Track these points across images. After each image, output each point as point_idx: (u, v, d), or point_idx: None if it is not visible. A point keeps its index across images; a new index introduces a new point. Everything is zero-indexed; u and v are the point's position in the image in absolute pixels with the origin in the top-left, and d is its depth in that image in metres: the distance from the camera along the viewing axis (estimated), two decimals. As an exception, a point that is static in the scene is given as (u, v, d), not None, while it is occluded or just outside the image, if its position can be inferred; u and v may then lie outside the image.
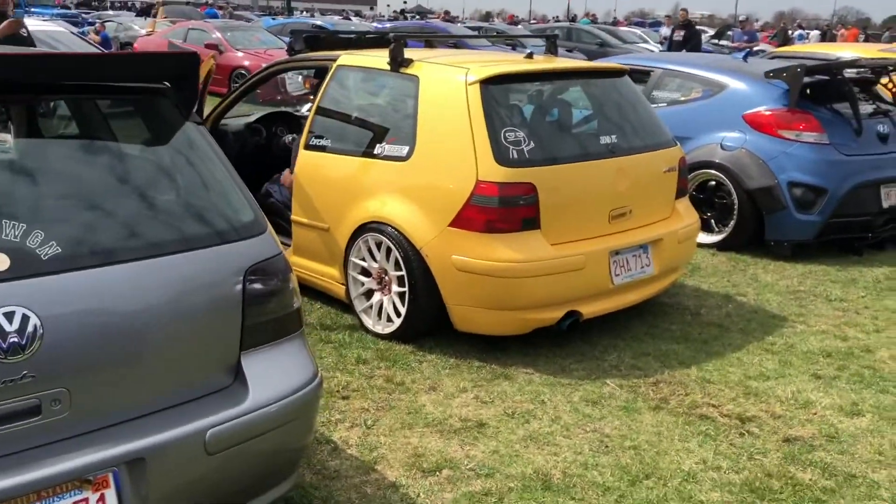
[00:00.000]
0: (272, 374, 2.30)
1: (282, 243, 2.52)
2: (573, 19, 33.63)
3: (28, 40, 7.11)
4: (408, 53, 4.43)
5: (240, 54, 15.62)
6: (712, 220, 6.13)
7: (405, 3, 69.52)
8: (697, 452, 3.23)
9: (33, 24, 9.18)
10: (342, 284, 4.55)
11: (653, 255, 4.34)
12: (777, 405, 3.65)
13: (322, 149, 4.61)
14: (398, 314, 4.24)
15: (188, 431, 2.05)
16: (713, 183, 6.09)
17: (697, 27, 17.95)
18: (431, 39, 6.20)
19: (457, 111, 4.03)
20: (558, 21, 43.34)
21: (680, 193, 4.66)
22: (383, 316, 4.32)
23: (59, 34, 9.22)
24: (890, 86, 6.38)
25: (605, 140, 4.27)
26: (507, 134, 3.95)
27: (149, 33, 19.25)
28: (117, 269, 2.04)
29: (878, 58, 7.25)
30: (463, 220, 3.90)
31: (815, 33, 31.51)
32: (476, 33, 19.17)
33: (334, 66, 4.76)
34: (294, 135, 5.86)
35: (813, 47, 10.78)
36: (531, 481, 3.01)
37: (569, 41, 21.41)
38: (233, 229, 2.31)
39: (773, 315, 4.80)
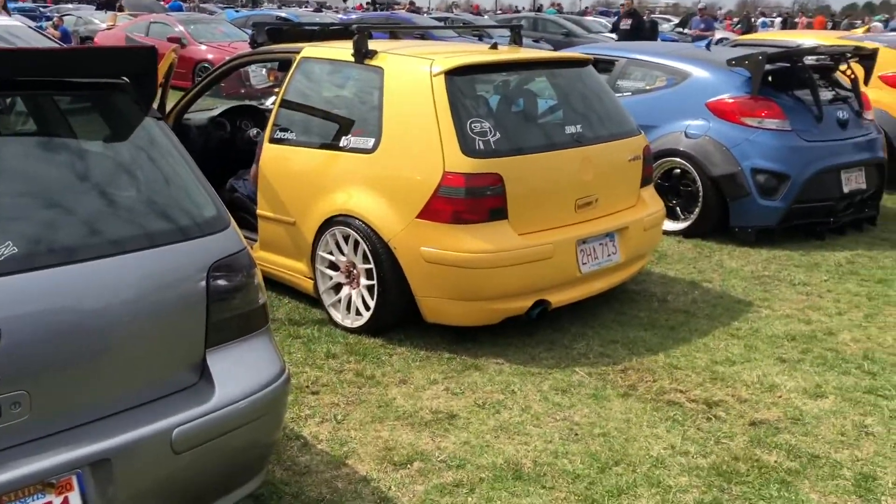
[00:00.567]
0: (238, 371, 2.28)
1: (247, 238, 2.50)
2: (539, 9, 33.67)
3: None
4: (372, 45, 4.40)
5: (203, 47, 15.42)
6: (677, 208, 6.19)
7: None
8: (666, 438, 3.27)
9: (-12, 18, 8.94)
10: (310, 279, 4.52)
11: (619, 243, 4.38)
12: (743, 389, 3.70)
13: (287, 142, 4.57)
14: (367, 307, 4.22)
15: (154, 431, 2.03)
16: (678, 171, 6.14)
17: (655, 16, 17.96)
18: (396, 31, 6.17)
19: (422, 102, 4.02)
20: (523, 10, 43.39)
21: (645, 182, 4.70)
22: (352, 309, 4.31)
23: (16, 28, 8.99)
24: (849, 72, 6.47)
25: (570, 130, 4.29)
26: (473, 125, 3.94)
27: (110, 27, 18.90)
28: (77, 268, 2.00)
29: (837, 45, 7.36)
30: (430, 212, 3.89)
31: (779, 20, 31.94)
32: (442, 24, 19.11)
33: (298, 58, 4.72)
34: (258, 129, 5.81)
35: (774, 35, 10.91)
36: (502, 471, 3.02)
37: (535, 31, 21.44)
38: (195, 225, 2.28)
39: (738, 300, 4.86)
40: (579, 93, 4.57)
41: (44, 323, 1.92)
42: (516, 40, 5.16)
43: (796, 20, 32.26)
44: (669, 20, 31.61)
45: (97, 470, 1.95)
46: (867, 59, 6.64)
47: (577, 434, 3.30)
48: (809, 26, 29.45)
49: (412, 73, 4.14)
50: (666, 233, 5.77)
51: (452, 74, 4.04)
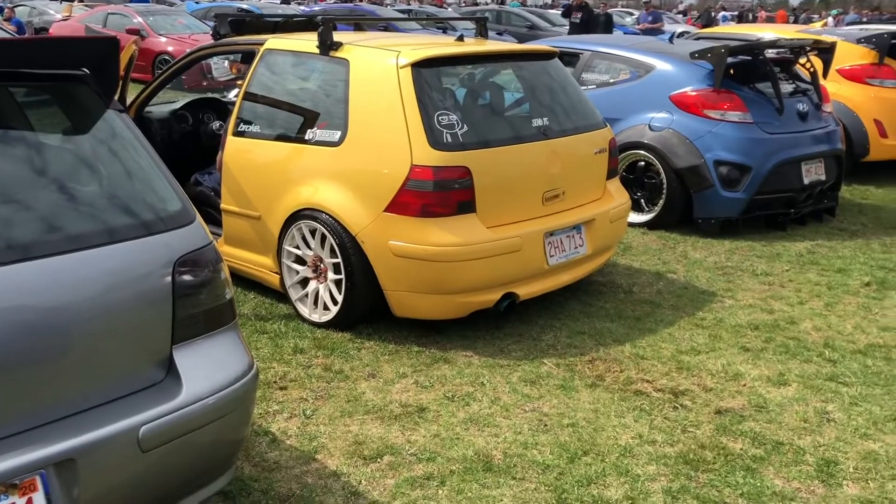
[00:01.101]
0: (206, 367, 2.25)
1: (212, 233, 2.46)
2: (503, 2, 33.67)
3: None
4: (337, 37, 4.36)
5: (163, 39, 15.17)
6: (642, 200, 6.24)
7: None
8: (633, 427, 3.30)
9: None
10: (276, 273, 4.48)
11: (586, 236, 4.40)
12: (708, 378, 3.75)
13: (251, 135, 4.52)
14: (335, 302, 4.20)
15: (120, 429, 1.99)
16: (642, 163, 6.20)
17: (617, 10, 17.86)
18: (361, 22, 6.12)
19: (389, 95, 3.99)
20: (487, 3, 43.35)
21: (611, 174, 4.73)
22: (319, 304, 4.28)
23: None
24: (808, 65, 6.58)
25: (537, 122, 4.30)
26: (440, 117, 3.93)
27: (65, 18, 18.48)
28: (35, 265, 1.95)
29: (797, 39, 7.48)
30: (398, 205, 3.87)
31: (732, 14, 32.41)
32: (406, 16, 19.02)
33: (261, 50, 4.66)
34: (221, 121, 5.73)
35: (735, 28, 11.05)
36: (472, 463, 3.03)
37: (498, 24, 21.45)
38: (160, 220, 2.24)
39: (702, 291, 4.92)
40: (545, 86, 4.58)
41: (1, 321, 1.87)
42: (482, 33, 5.15)
43: (756, 14, 32.72)
44: (632, 13, 31.85)
45: (62, 470, 1.91)
46: (826, 52, 6.76)
47: (546, 425, 3.31)
48: (770, 20, 29.90)
49: (378, 66, 4.12)
50: (631, 224, 5.83)
51: (419, 67, 4.03)
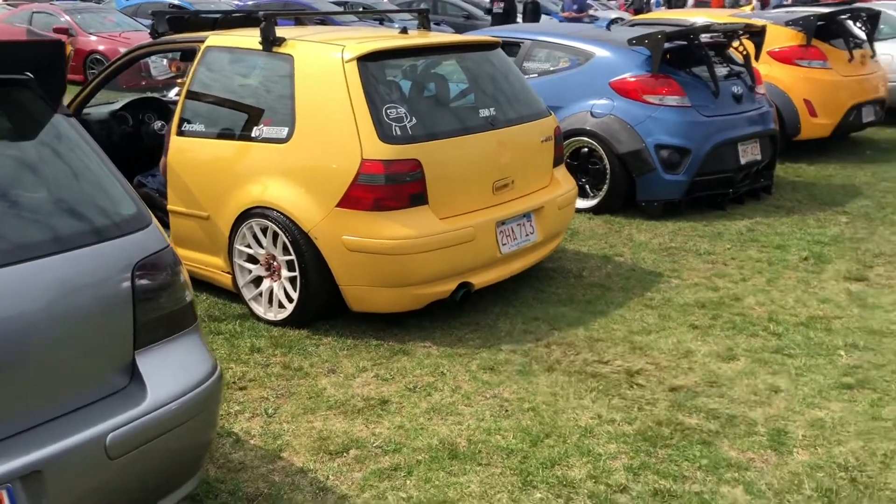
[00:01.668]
0: (170, 371, 2.24)
1: None
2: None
3: None
4: (280, 32, 4.33)
5: (93, 38, 14.74)
6: (587, 186, 6.34)
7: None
8: (592, 408, 3.38)
9: None
10: (227, 273, 4.44)
11: (536, 223, 4.47)
12: (661, 357, 3.86)
13: (196, 134, 4.46)
14: (290, 299, 4.18)
15: (87, 438, 1.97)
16: (586, 149, 6.30)
17: None
18: (301, 17, 6.07)
19: (336, 90, 3.98)
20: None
21: (557, 161, 4.81)
22: (274, 302, 4.25)
23: None
24: (741, 49, 6.77)
25: (484, 113, 4.34)
26: (388, 111, 3.94)
27: (-13, 18, 17.78)
28: None
29: (730, 22, 7.67)
30: (351, 200, 3.87)
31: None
32: (342, 9, 18.88)
33: (203, 47, 4.59)
34: (163, 121, 5.63)
35: (668, 14, 11.26)
36: (438, 452, 3.07)
37: (435, 14, 21.41)
38: (115, 224, 2.21)
39: (649, 272, 5.05)
40: (491, 76, 4.63)
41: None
42: (425, 24, 5.17)
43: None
44: (590, 2, 32.03)
45: (28, 482, 1.88)
46: (757, 35, 6.96)
47: (507, 410, 3.37)
48: (701, 4, 30.44)
49: (324, 60, 4.10)
50: (577, 210, 5.91)
51: (365, 60, 4.02)
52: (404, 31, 4.65)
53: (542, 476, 2.90)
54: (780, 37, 8.06)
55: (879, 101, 8.61)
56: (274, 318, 4.25)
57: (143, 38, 14.95)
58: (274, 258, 4.20)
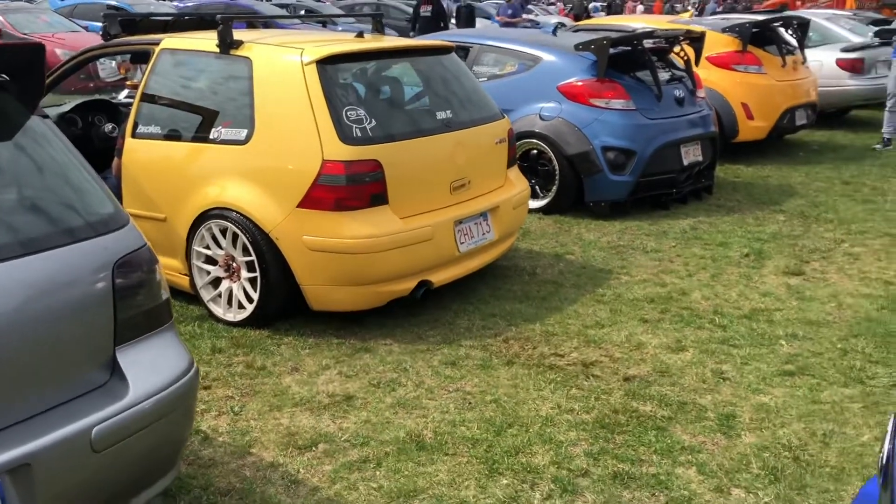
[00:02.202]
0: (150, 367, 2.28)
1: None
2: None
3: None
4: (237, 35, 4.36)
5: (26, 39, 14.35)
6: (537, 187, 6.50)
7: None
8: (551, 399, 3.52)
9: None
10: (185, 275, 4.45)
11: (492, 222, 4.60)
12: (614, 349, 4.02)
13: (152, 136, 4.46)
14: (250, 300, 4.22)
15: (73, 431, 2.00)
16: (535, 151, 6.46)
17: (486, 2, 17.47)
18: (254, 20, 6.09)
19: (295, 92, 4.04)
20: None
21: (511, 162, 4.94)
22: (234, 303, 4.28)
23: None
24: (682, 54, 7.02)
25: (441, 115, 4.45)
26: (348, 113, 4.02)
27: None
28: None
29: (671, 29, 7.95)
30: (312, 201, 3.93)
31: (601, 5, 33.72)
32: (285, 12, 18.79)
33: (157, 49, 4.59)
34: (113, 124, 5.59)
35: (611, 20, 11.57)
36: (405, 444, 3.16)
37: (379, 18, 21.41)
38: (96, 224, 2.25)
39: (599, 269, 5.23)
40: (446, 79, 4.74)
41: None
42: (379, 29, 5.25)
43: (623, 4, 34.09)
44: (524, 6, 32.46)
45: (17, 476, 1.90)
46: (697, 41, 7.23)
47: (470, 403, 3.48)
48: (647, 10, 31.20)
49: (283, 63, 4.15)
50: (528, 211, 6.07)
51: (324, 63, 4.09)
52: (360, 35, 4.73)
53: (507, 463, 3.02)
54: (717, 43, 8.37)
55: (811, 105, 9.02)
56: (233, 319, 4.28)
57: (79, 39, 14.71)
58: (233, 259, 4.23)
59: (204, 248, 4.31)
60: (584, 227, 6.18)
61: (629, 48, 6.56)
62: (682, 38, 7.03)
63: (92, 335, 2.18)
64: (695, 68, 7.13)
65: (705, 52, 7.72)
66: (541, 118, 6.44)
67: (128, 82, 6.53)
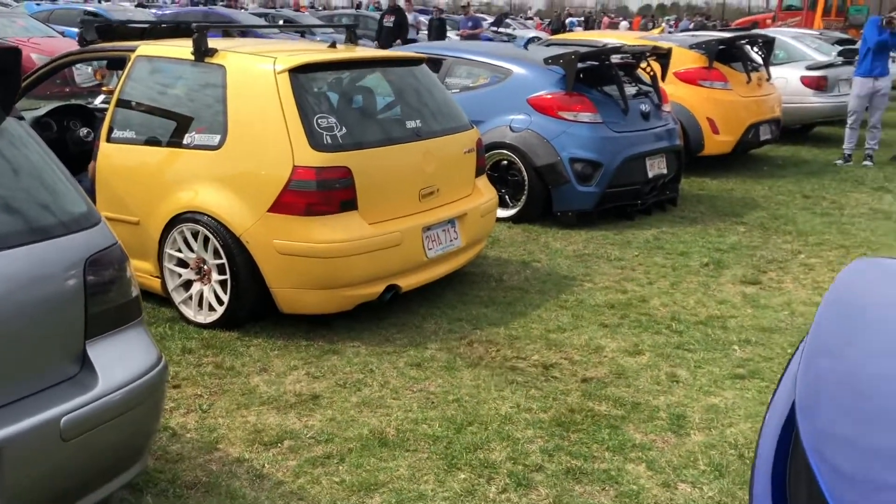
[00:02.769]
0: (119, 360, 2.38)
1: None
2: (358, 6, 33.85)
3: None
4: (211, 43, 4.47)
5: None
6: (507, 196, 6.65)
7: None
8: (511, 399, 3.64)
9: None
10: (157, 278, 4.53)
11: (460, 229, 4.73)
12: (574, 352, 4.16)
13: (126, 141, 4.54)
14: (220, 302, 4.31)
15: (43, 420, 2.09)
16: (505, 162, 6.61)
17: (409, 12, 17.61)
18: (229, 29, 6.20)
19: (268, 100, 4.15)
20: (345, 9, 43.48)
21: (479, 172, 5.08)
22: (204, 305, 4.37)
23: None
24: (648, 69, 7.22)
25: (411, 124, 4.58)
26: (319, 120, 4.13)
27: None
28: None
29: (638, 45, 8.16)
30: (282, 206, 4.04)
31: (579, 20, 34.29)
32: (264, 21, 18.88)
33: (134, 56, 4.68)
34: (89, 128, 5.66)
35: (582, 35, 11.80)
36: (368, 440, 3.26)
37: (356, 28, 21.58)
38: (68, 222, 2.34)
39: (564, 276, 5.37)
40: (416, 90, 4.87)
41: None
42: (352, 39, 5.38)
43: (601, 20, 34.65)
44: (485, 19, 32.86)
45: (-12, 461, 1.99)
46: (663, 57, 7.44)
47: (433, 402, 3.60)
48: (613, 26, 31.73)
49: (256, 72, 4.26)
50: (498, 220, 6.21)
51: (296, 72, 4.21)
52: (333, 45, 4.85)
53: (465, 459, 3.14)
54: (684, 59, 8.61)
55: (775, 121, 9.28)
56: (204, 321, 4.37)
57: (55, 44, 14.70)
58: (204, 262, 4.32)
59: (176, 251, 4.40)
60: (551, 235, 6.33)
61: (597, 63, 6.74)
62: (648, 53, 7.23)
63: (63, 329, 2.27)
64: (661, 83, 7.34)
65: (673, 68, 7.95)
66: (511, 130, 6.59)
67: (103, 88, 6.59)
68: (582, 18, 36.39)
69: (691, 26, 24.67)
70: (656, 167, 6.84)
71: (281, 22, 20.01)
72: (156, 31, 5.62)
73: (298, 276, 4.13)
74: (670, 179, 7.11)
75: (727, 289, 5.20)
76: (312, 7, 39.13)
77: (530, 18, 42.39)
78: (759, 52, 9.41)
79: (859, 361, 1.72)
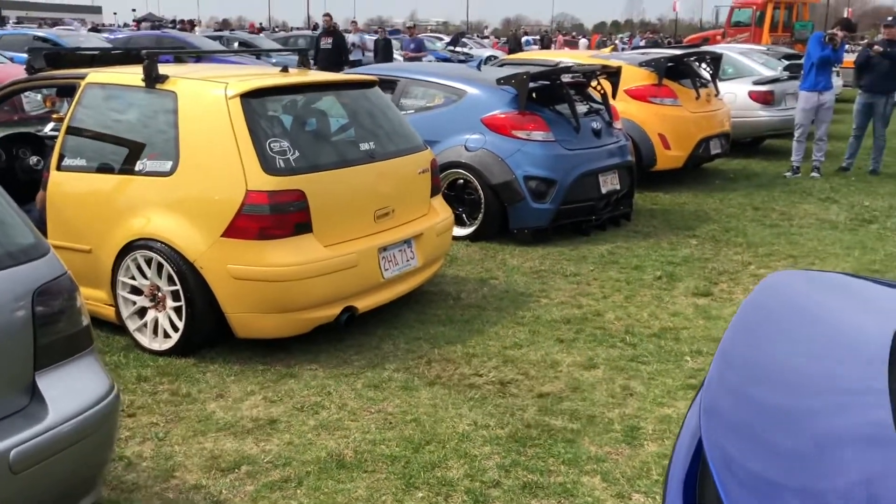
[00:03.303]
0: (69, 391, 2.36)
1: None
2: (315, 28, 33.91)
3: None
4: (162, 69, 4.47)
5: (-49, 70, 14.05)
6: (463, 215, 6.72)
7: (134, 10, 66.01)
8: (469, 416, 3.68)
9: None
10: (110, 306, 4.49)
11: (416, 249, 4.77)
12: (530, 368, 4.21)
13: (77, 168, 4.51)
14: (175, 329, 4.28)
15: (-9, 454, 2.07)
16: (461, 181, 6.68)
17: (426, 35, 18.16)
18: (181, 55, 6.19)
19: (219, 125, 4.16)
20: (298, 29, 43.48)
21: (434, 191, 5.14)
22: (159, 332, 4.34)
23: None
24: (599, 88, 7.37)
25: (364, 147, 4.62)
26: (272, 144, 4.15)
27: None
28: None
29: (589, 64, 8.33)
30: (236, 230, 4.04)
31: (535, 38, 34.79)
32: (220, 46, 18.81)
33: (83, 83, 4.66)
34: (38, 157, 5.60)
35: (536, 54, 11.97)
36: (326, 463, 3.27)
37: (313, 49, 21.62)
38: (16, 253, 2.33)
39: (521, 293, 5.44)
40: (369, 112, 4.92)
41: None
42: (304, 63, 5.42)
43: (553, 38, 35.15)
44: (441, 38, 33.17)
45: (-66, 497, 1.97)
46: (613, 75, 7.61)
47: (391, 423, 3.62)
48: (571, 44, 32.27)
49: (207, 97, 4.27)
50: (455, 238, 6.27)
51: (248, 97, 4.23)
52: (285, 69, 4.88)
53: (423, 478, 3.16)
54: (635, 76, 8.79)
55: (725, 135, 9.51)
56: (159, 348, 4.34)
57: (4, 70, 14.46)
58: (158, 289, 4.30)
59: (129, 278, 4.37)
60: (508, 253, 6.40)
61: (549, 82, 6.87)
62: (598, 72, 7.38)
63: (12, 361, 2.25)
64: (612, 101, 7.48)
65: (623, 86, 8.13)
66: (466, 149, 6.67)
67: (54, 115, 6.53)
68: (538, 37, 36.93)
69: (642, 43, 25.19)
70: (609, 183, 6.97)
71: (236, 45, 19.95)
72: (106, 57, 5.60)
73: (254, 301, 4.12)
74: (624, 195, 7.24)
75: (680, 301, 5.31)
76: (264, 30, 39.14)
77: (486, 37, 42.85)
78: (708, 69, 9.65)
79: (760, 364, 1.80)
